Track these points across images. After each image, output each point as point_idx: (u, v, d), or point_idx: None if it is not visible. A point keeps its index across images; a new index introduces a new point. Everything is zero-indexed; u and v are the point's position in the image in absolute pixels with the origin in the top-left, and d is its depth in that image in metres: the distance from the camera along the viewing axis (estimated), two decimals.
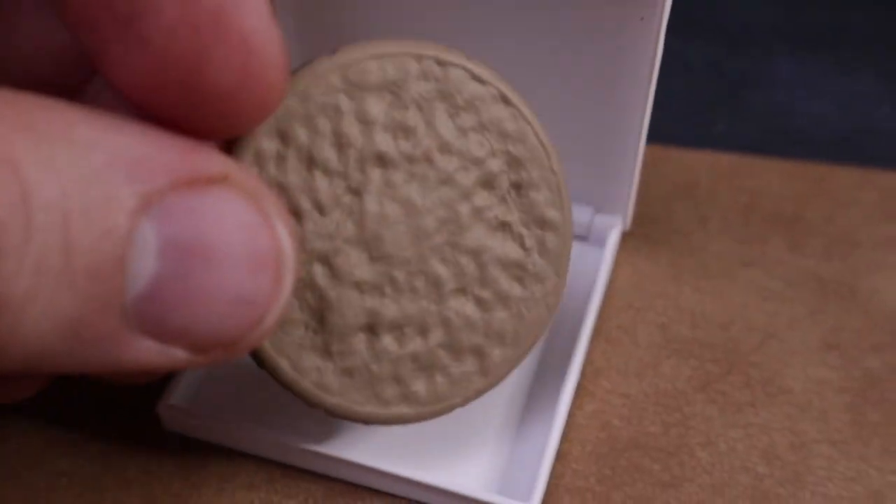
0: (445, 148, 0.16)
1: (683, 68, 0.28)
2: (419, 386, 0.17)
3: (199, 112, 0.13)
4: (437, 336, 0.17)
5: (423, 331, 0.16)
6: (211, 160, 0.12)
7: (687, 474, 0.19)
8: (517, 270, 0.17)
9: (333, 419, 0.19)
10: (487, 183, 0.16)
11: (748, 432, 0.19)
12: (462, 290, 0.16)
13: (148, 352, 0.12)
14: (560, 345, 0.20)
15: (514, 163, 0.16)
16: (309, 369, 0.16)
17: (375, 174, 0.16)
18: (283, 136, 0.15)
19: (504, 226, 0.17)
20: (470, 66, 0.16)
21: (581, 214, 0.22)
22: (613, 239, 0.22)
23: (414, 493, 0.18)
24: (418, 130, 0.16)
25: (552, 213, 0.17)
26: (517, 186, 0.16)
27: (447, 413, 0.17)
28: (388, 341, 0.16)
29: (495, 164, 0.16)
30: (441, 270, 0.16)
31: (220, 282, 0.12)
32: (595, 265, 0.22)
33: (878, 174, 0.25)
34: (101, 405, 0.20)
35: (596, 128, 0.21)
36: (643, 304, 0.22)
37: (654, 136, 0.26)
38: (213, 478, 0.19)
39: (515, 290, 0.17)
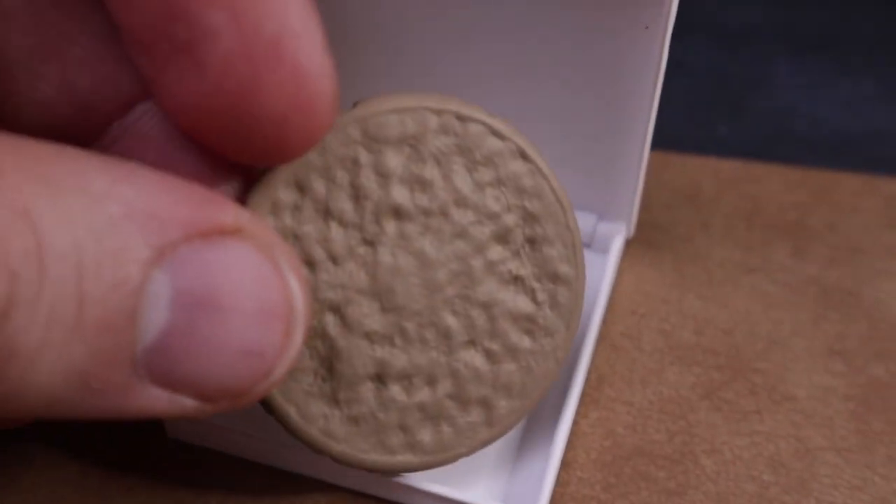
0: (461, 202, 0.16)
1: (685, 72, 0.28)
2: (425, 435, 0.17)
3: (248, 139, 0.13)
4: (445, 387, 0.16)
5: (432, 381, 0.16)
6: (225, 211, 0.12)
7: (692, 482, 0.19)
8: (527, 324, 0.17)
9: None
10: (502, 237, 0.16)
11: (753, 440, 0.19)
12: (472, 343, 0.16)
13: (157, 400, 0.12)
14: None
15: (529, 218, 0.16)
16: (316, 416, 0.16)
17: (390, 226, 0.16)
18: (301, 188, 0.16)
19: (517, 279, 0.16)
20: (489, 121, 0.16)
21: (584, 221, 0.22)
22: (617, 246, 0.22)
23: (418, 501, 0.18)
24: (435, 184, 0.16)
25: (565, 269, 0.17)
26: (531, 241, 0.16)
27: (452, 462, 0.17)
28: (395, 391, 0.16)
29: (510, 219, 0.16)
30: (452, 322, 0.16)
31: (231, 333, 0.12)
32: (599, 272, 0.22)
33: (881, 181, 0.25)
34: None
35: (600, 135, 0.21)
36: (647, 311, 0.22)
37: (657, 140, 0.26)
38: (217, 486, 0.19)
39: (525, 342, 0.17)
